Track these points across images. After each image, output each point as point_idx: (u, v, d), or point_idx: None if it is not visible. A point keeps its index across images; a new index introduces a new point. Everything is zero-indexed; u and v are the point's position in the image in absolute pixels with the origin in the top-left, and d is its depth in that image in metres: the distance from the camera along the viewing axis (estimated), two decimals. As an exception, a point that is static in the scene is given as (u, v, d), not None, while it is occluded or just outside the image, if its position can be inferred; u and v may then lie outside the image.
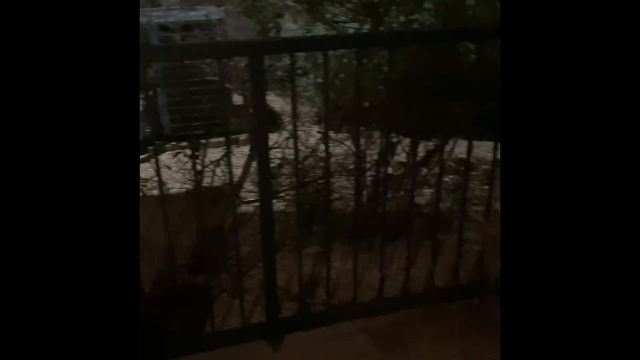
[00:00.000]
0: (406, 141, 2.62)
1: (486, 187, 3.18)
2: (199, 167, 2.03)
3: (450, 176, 2.98)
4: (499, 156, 2.12)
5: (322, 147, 1.81)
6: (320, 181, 2.52)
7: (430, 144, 2.64)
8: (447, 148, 2.79)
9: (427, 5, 3.30)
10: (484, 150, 3.39)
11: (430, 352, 1.76)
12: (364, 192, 2.56)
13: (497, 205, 2.10)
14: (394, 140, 2.48)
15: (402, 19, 3.09)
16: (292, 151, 1.80)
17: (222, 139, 1.81)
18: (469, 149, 1.84)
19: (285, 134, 2.71)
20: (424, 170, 2.68)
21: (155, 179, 1.57)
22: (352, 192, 2.85)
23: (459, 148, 2.91)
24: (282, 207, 2.56)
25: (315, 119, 2.92)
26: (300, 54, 2.55)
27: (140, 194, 1.93)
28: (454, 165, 3.01)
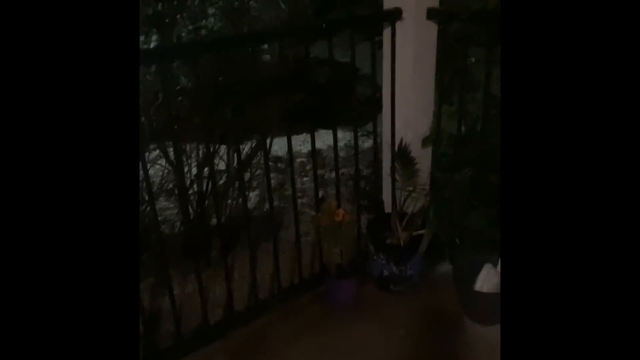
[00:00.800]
0: (222, 148, 2.57)
1: (305, 178, 3.32)
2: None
3: (271, 175, 3.02)
4: (310, 147, 2.21)
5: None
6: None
7: (246, 148, 2.64)
8: (262, 148, 2.82)
9: (210, 10, 3.27)
10: (296, 144, 3.53)
11: (291, 351, 1.76)
12: (190, 208, 2.45)
13: (319, 194, 2.18)
14: (208, 150, 2.40)
15: (189, 26, 3.01)
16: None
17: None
18: (289, 144, 1.87)
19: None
20: (246, 175, 2.67)
21: None
22: (175, 211, 2.71)
23: (270, 147, 2.97)
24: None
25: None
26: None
27: None
28: (271, 163, 3.06)
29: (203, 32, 3.22)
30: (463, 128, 1.97)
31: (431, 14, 1.84)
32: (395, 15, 1.85)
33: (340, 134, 2.42)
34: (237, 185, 2.60)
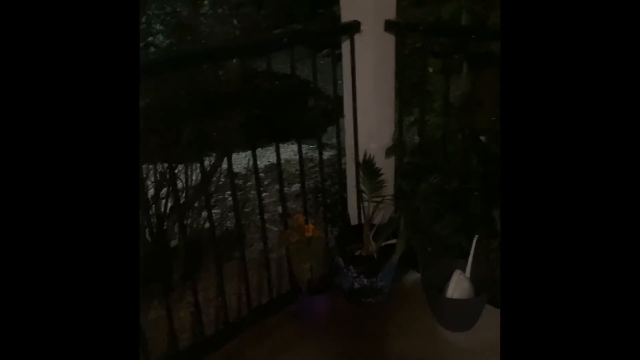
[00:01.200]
0: (180, 167, 2.50)
1: (265, 194, 3.27)
2: None
3: (230, 192, 2.96)
4: (266, 162, 2.18)
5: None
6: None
7: (205, 165, 2.57)
8: (220, 165, 2.75)
9: (159, 27, 3.19)
10: (244, 159, 3.48)
11: (265, 373, 1.71)
12: (147, 231, 2.35)
13: (280, 209, 2.15)
14: (170, 168, 2.32)
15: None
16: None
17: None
18: (254, 159, 1.83)
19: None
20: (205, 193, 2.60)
21: None
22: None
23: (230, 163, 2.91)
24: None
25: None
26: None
27: None
28: (229, 180, 3.00)
29: (152, 49, 3.13)
30: (424, 137, 2.01)
31: (389, 26, 1.86)
32: (354, 28, 1.86)
33: (294, 147, 2.37)
34: (196, 204, 2.53)
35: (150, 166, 2.37)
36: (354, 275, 1.90)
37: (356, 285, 1.92)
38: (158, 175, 2.36)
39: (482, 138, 2.00)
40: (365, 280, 1.90)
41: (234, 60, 2.38)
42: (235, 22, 2.79)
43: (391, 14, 1.87)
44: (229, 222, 2.85)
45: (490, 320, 1.80)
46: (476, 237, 1.81)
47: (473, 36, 1.89)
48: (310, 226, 1.78)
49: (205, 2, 2.97)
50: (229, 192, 2.99)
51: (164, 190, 2.37)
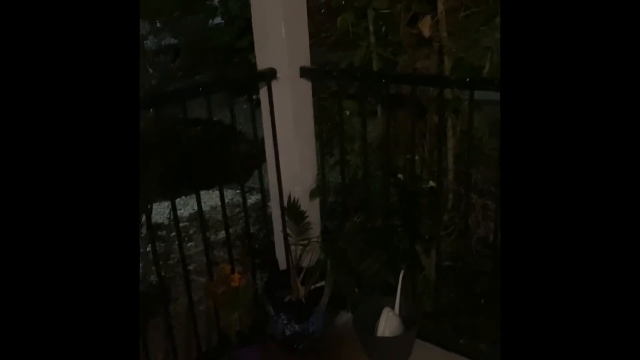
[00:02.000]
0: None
1: (190, 244, 3.18)
2: None
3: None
4: (189, 211, 2.13)
5: None
6: None
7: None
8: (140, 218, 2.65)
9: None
10: (167, 208, 3.39)
11: None
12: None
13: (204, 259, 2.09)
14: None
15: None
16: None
17: None
18: (174, 208, 1.77)
19: None
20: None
21: None
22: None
23: (151, 213, 2.81)
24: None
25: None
26: None
27: None
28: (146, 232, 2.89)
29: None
30: (346, 177, 2.04)
31: (304, 72, 1.91)
32: (270, 75, 1.89)
33: (216, 193, 2.31)
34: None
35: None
36: (285, 322, 1.87)
37: (287, 332, 1.88)
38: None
39: (400, 176, 2.07)
40: (297, 326, 1.87)
41: (151, 110, 2.34)
42: (150, 71, 2.75)
43: (306, 61, 1.93)
44: (152, 276, 2.73)
45: (421, 355, 1.83)
46: (402, 272, 1.85)
47: (383, 80, 1.97)
48: (237, 276, 1.74)
49: (119, 51, 2.91)
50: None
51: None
